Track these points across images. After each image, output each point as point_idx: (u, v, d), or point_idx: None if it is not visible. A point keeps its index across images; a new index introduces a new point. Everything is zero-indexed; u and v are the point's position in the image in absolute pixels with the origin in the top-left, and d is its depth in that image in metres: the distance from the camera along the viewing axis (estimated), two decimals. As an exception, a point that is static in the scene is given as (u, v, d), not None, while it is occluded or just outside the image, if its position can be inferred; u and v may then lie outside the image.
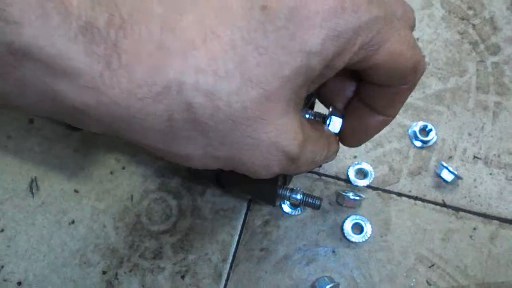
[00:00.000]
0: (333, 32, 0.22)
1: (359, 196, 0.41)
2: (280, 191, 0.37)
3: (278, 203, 0.42)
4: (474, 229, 0.42)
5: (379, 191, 0.43)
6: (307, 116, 0.33)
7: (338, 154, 0.44)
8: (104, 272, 0.41)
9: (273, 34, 0.22)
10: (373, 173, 0.43)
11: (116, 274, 0.41)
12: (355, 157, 0.45)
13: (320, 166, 0.44)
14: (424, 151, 0.45)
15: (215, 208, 0.43)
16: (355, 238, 0.41)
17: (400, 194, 0.43)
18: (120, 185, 0.44)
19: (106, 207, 0.43)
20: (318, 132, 0.29)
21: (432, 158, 0.44)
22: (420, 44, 0.47)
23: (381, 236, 0.42)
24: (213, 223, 0.43)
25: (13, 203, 0.44)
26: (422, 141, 0.44)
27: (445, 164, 0.42)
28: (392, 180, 0.44)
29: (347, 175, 0.43)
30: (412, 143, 0.45)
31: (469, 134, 0.45)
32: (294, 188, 0.38)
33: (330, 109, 0.33)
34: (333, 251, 0.42)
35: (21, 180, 0.44)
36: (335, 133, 0.32)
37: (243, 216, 0.43)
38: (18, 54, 0.20)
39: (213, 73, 0.22)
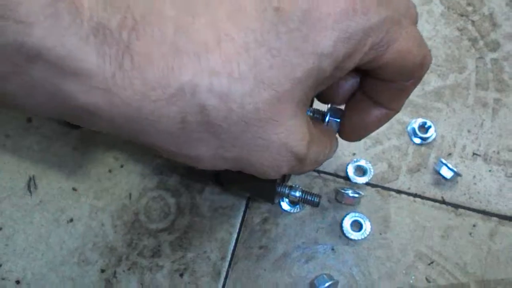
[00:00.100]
0: (345, 34, 0.22)
1: (358, 193, 0.41)
2: (279, 189, 0.37)
3: (277, 201, 0.42)
4: (474, 226, 0.42)
5: (378, 188, 0.43)
6: (308, 113, 0.33)
7: (337, 151, 0.44)
8: (102, 271, 0.41)
9: (286, 36, 0.22)
10: (372, 170, 0.43)
11: (115, 272, 0.41)
12: (354, 154, 0.44)
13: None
14: (423, 148, 0.44)
15: (214, 206, 0.43)
16: (354, 235, 0.41)
17: (399, 191, 0.43)
18: (118, 183, 0.44)
19: (105, 205, 0.43)
20: (321, 132, 0.29)
21: (431, 155, 0.44)
22: (419, 40, 0.47)
23: (380, 234, 0.42)
24: (212, 221, 0.43)
25: (11, 202, 0.44)
26: (421, 138, 0.44)
27: (444, 161, 0.42)
28: (391, 177, 0.44)
29: (346, 172, 0.43)
30: (411, 140, 0.45)
31: (469, 131, 0.45)
32: (293, 185, 0.38)
33: (329, 107, 0.33)
34: (332, 249, 0.41)
35: (19, 178, 0.44)
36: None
37: (241, 214, 0.43)
38: (27, 55, 0.20)
39: (227, 75, 0.22)
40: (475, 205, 0.42)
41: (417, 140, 0.44)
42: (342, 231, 0.41)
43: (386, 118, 0.31)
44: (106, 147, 0.46)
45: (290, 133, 0.24)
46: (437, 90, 0.46)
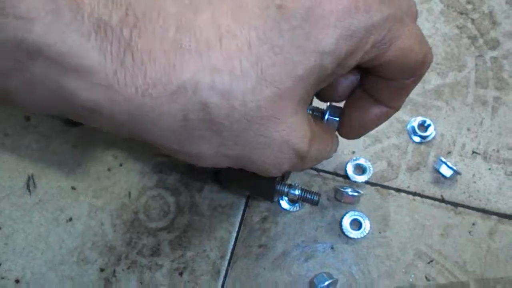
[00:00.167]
0: (347, 32, 0.22)
1: (357, 192, 0.41)
2: (278, 187, 0.37)
3: (276, 199, 0.42)
4: (473, 224, 0.42)
5: (378, 187, 0.43)
6: (308, 111, 0.33)
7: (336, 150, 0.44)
8: (102, 270, 0.41)
9: (288, 33, 0.22)
10: (371, 168, 0.43)
11: (114, 271, 0.41)
12: (353, 152, 0.44)
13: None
14: (422, 147, 0.44)
15: (213, 204, 0.43)
16: (353, 234, 0.41)
17: (398, 190, 0.43)
18: (117, 182, 0.44)
19: (104, 204, 0.43)
20: (322, 129, 0.29)
21: (430, 154, 0.44)
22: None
23: (380, 232, 0.42)
24: (211, 220, 0.43)
25: (10, 201, 0.43)
26: (420, 136, 0.44)
27: (444, 160, 0.42)
28: (391, 176, 0.43)
29: (346, 171, 0.43)
30: (411, 138, 0.44)
31: (468, 129, 0.45)
32: (292, 184, 0.38)
33: (328, 105, 0.33)
34: (332, 247, 0.41)
35: (18, 177, 0.44)
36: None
37: (241, 212, 0.43)
38: (28, 51, 0.20)
39: (229, 73, 0.22)
40: (475, 204, 0.42)
41: (417, 139, 0.44)
42: (341, 229, 0.41)
43: (386, 116, 0.31)
44: (105, 146, 0.45)
45: (292, 131, 0.24)
46: (436, 88, 0.46)
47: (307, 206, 0.43)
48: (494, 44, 0.48)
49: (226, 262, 0.41)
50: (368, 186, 0.43)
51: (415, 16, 0.26)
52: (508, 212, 0.42)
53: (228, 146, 0.24)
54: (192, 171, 0.43)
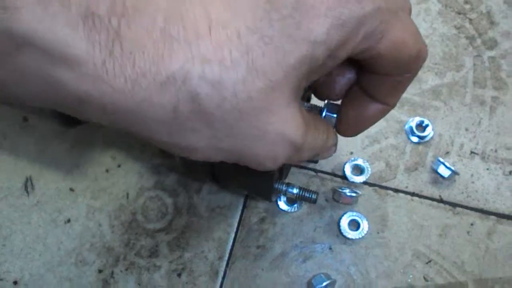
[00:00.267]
0: (338, 21, 0.22)
1: (355, 192, 0.41)
2: (276, 185, 0.37)
3: (274, 199, 0.42)
4: (471, 224, 0.42)
5: (376, 187, 0.43)
6: (305, 108, 0.33)
7: (334, 150, 0.44)
8: (100, 271, 0.41)
9: (278, 23, 0.22)
10: (369, 169, 0.43)
11: (112, 272, 0.41)
12: (351, 153, 0.44)
13: (317, 162, 0.43)
14: (420, 147, 0.44)
15: (211, 205, 0.43)
16: (351, 234, 0.41)
17: (396, 190, 0.43)
18: (115, 183, 0.44)
19: (102, 205, 0.43)
20: (316, 120, 0.29)
21: (429, 154, 0.44)
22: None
23: (378, 233, 0.42)
24: (209, 221, 0.43)
25: (8, 202, 0.43)
26: (418, 136, 0.44)
27: (442, 160, 0.42)
28: (389, 176, 0.43)
29: (344, 172, 0.43)
30: (409, 138, 0.44)
31: (466, 129, 0.45)
32: (290, 182, 0.38)
33: (325, 102, 0.33)
34: (330, 248, 0.41)
35: (16, 178, 0.44)
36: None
37: (239, 213, 0.43)
38: (17, 41, 0.20)
39: (219, 63, 0.21)
40: (473, 204, 0.42)
41: (415, 139, 0.44)
42: (339, 230, 0.41)
43: (382, 114, 0.31)
44: (103, 147, 0.45)
45: (285, 122, 0.24)
46: (434, 88, 0.46)
47: (305, 207, 0.43)
48: (492, 44, 0.48)
49: (224, 263, 0.41)
50: (366, 186, 0.43)
51: (409, 10, 0.26)
52: (506, 212, 0.42)
53: (220, 139, 0.24)
54: (190, 171, 0.43)
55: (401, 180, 0.43)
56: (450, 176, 0.42)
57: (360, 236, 0.41)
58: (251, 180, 0.35)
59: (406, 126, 0.45)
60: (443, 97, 0.46)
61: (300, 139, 0.25)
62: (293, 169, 0.44)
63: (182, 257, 0.41)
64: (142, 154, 0.45)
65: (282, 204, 0.42)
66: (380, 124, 0.45)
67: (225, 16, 0.21)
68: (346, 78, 0.30)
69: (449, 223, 0.42)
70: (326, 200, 0.43)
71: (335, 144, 0.32)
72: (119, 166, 0.45)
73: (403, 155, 0.44)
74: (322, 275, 0.39)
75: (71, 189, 0.44)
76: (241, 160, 0.26)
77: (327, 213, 0.42)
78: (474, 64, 0.47)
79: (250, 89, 0.22)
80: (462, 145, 0.44)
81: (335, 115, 0.32)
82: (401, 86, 0.28)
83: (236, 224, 0.42)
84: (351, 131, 0.32)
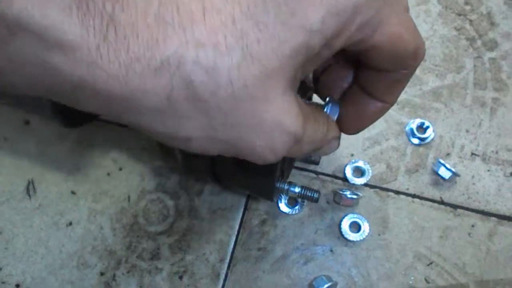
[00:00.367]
0: (333, 9, 0.22)
1: (356, 194, 0.41)
2: (278, 184, 0.37)
3: (276, 199, 0.42)
4: (472, 226, 0.42)
5: (377, 189, 0.43)
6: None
7: (335, 152, 0.44)
8: (102, 274, 0.41)
9: (273, 9, 0.21)
10: (370, 171, 0.43)
11: (114, 275, 0.41)
12: (352, 155, 0.44)
13: (318, 163, 0.43)
14: (421, 149, 0.44)
15: (213, 208, 0.43)
16: (352, 236, 0.41)
17: (397, 192, 0.43)
18: (117, 186, 0.44)
19: (103, 208, 0.43)
20: (315, 111, 0.29)
21: (429, 156, 0.44)
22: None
23: (379, 235, 0.42)
24: (211, 223, 0.43)
25: (10, 206, 0.44)
26: (419, 138, 0.44)
27: (442, 161, 0.42)
28: (390, 178, 0.43)
29: (344, 174, 0.43)
30: (410, 140, 0.45)
31: (467, 131, 0.45)
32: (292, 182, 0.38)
33: (327, 99, 0.33)
34: (331, 250, 0.41)
35: (18, 182, 0.44)
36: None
37: (240, 215, 0.43)
38: (8, 26, 0.20)
39: (213, 47, 0.21)
40: (474, 205, 0.42)
41: (415, 141, 0.44)
42: (340, 232, 0.41)
43: (382, 112, 0.31)
44: (104, 150, 0.46)
45: (282, 111, 0.24)
46: (435, 90, 0.46)
47: (306, 209, 0.43)
48: (492, 45, 0.48)
49: (226, 265, 0.41)
50: (367, 188, 0.43)
51: (405, 5, 0.26)
52: (507, 214, 0.42)
53: (216, 128, 0.23)
54: (191, 172, 0.44)
55: (402, 182, 0.43)
56: (451, 177, 0.42)
57: (361, 238, 0.41)
58: (253, 179, 0.35)
59: (407, 128, 0.45)
60: (444, 99, 0.46)
61: (299, 128, 0.25)
62: (294, 171, 0.44)
63: (184, 260, 0.42)
64: (143, 157, 0.45)
65: (283, 206, 0.43)
66: (381, 125, 0.45)
67: (219, 1, 0.21)
68: (345, 77, 0.31)
69: (450, 225, 0.42)
70: (327, 202, 0.43)
71: (337, 139, 0.31)
72: (120, 169, 0.45)
73: (404, 157, 0.44)
74: (323, 277, 0.39)
75: (73, 192, 0.44)
76: (239, 152, 0.25)
77: (328, 215, 0.42)
78: (475, 66, 0.47)
79: (246, 76, 0.22)
80: (462, 147, 0.44)
81: (337, 111, 0.32)
82: (399, 84, 0.29)
83: (237, 227, 0.43)
84: (352, 129, 0.32)
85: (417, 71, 0.47)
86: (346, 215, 0.42)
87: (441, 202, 0.43)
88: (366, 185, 0.43)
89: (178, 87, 0.22)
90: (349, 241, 0.41)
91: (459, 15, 0.49)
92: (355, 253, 0.41)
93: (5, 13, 0.19)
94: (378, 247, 0.41)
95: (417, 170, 0.44)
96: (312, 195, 0.38)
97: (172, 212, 0.43)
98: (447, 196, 0.43)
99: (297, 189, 0.38)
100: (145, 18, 0.21)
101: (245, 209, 0.43)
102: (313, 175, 0.44)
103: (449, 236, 0.41)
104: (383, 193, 0.43)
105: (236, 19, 0.21)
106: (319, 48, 0.23)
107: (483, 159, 0.44)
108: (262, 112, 0.23)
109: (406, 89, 0.46)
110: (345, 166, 0.43)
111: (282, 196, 0.43)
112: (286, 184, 0.37)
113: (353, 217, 0.41)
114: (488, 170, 0.43)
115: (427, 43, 0.48)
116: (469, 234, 0.42)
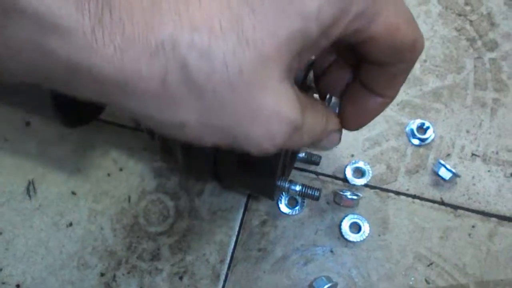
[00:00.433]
0: None
1: (356, 195, 0.41)
2: (278, 183, 0.37)
3: (276, 198, 0.42)
4: (473, 227, 0.42)
5: (377, 190, 0.43)
6: None
7: (335, 153, 0.44)
8: (102, 274, 0.41)
9: None
10: (370, 171, 0.43)
11: (114, 276, 0.41)
12: (352, 155, 0.44)
13: (318, 163, 0.43)
14: (421, 149, 0.44)
15: (213, 208, 0.43)
16: (353, 237, 0.41)
17: (398, 193, 0.43)
18: (117, 186, 0.44)
19: (104, 208, 0.43)
20: (314, 102, 0.29)
21: (430, 156, 0.44)
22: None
23: (379, 235, 0.42)
24: (211, 224, 0.43)
25: (11, 206, 0.44)
26: (419, 139, 0.44)
27: (443, 162, 0.42)
28: (390, 179, 0.43)
29: (345, 174, 0.43)
30: (410, 141, 0.44)
31: (467, 131, 0.45)
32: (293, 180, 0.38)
33: (328, 96, 0.33)
34: (331, 251, 0.41)
35: (18, 182, 0.44)
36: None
37: (240, 216, 0.43)
38: (4, 9, 0.20)
39: (208, 31, 0.21)
40: (474, 206, 0.42)
41: (416, 141, 0.44)
42: (340, 233, 0.41)
43: (382, 107, 0.31)
44: (105, 150, 0.46)
45: (280, 99, 0.23)
46: (435, 90, 0.46)
47: (306, 209, 0.43)
48: (493, 46, 0.48)
49: (226, 266, 0.41)
50: (367, 189, 0.43)
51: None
52: (507, 214, 0.42)
53: (211, 114, 0.23)
54: (192, 171, 0.44)
55: (402, 183, 0.43)
56: (451, 178, 0.42)
57: (361, 239, 0.41)
58: (254, 178, 0.35)
59: (407, 129, 0.45)
60: (444, 99, 0.46)
61: (298, 116, 0.24)
62: (294, 172, 0.44)
63: (184, 260, 0.42)
64: (144, 157, 0.45)
65: (283, 207, 0.43)
66: (381, 126, 0.45)
67: None
68: (345, 73, 0.31)
69: (451, 226, 0.42)
70: (327, 202, 0.43)
71: (338, 132, 0.31)
72: (120, 169, 0.45)
73: (404, 158, 0.44)
74: (323, 278, 0.39)
75: (73, 193, 0.44)
76: (235, 142, 0.25)
77: (328, 215, 0.42)
78: (475, 66, 0.47)
79: (241, 62, 0.21)
80: (463, 147, 0.44)
81: (336, 105, 0.32)
82: (398, 78, 0.29)
83: (237, 227, 0.43)
84: (354, 125, 0.32)
85: (417, 72, 0.47)
86: (346, 216, 0.42)
87: (442, 203, 0.43)
88: (366, 185, 0.43)
89: (173, 71, 0.21)
90: (349, 241, 0.41)
91: (460, 15, 0.49)
92: (355, 254, 0.41)
93: None
94: (378, 247, 0.41)
95: (417, 171, 0.44)
96: (313, 193, 0.38)
97: (172, 212, 0.43)
98: (447, 197, 0.43)
99: (298, 187, 0.37)
100: (140, 2, 0.21)
101: (245, 209, 0.43)
102: (313, 175, 0.44)
103: (450, 237, 0.41)
104: (383, 194, 0.43)
105: (232, 4, 0.21)
106: (316, 36, 0.23)
107: (484, 160, 0.44)
108: (259, 99, 0.23)
109: (406, 89, 0.47)
110: (345, 166, 0.43)
111: (283, 196, 0.43)
112: (287, 183, 0.37)
113: (353, 218, 0.41)
114: (489, 171, 0.43)
115: (427, 44, 0.48)
116: (469, 234, 0.42)
